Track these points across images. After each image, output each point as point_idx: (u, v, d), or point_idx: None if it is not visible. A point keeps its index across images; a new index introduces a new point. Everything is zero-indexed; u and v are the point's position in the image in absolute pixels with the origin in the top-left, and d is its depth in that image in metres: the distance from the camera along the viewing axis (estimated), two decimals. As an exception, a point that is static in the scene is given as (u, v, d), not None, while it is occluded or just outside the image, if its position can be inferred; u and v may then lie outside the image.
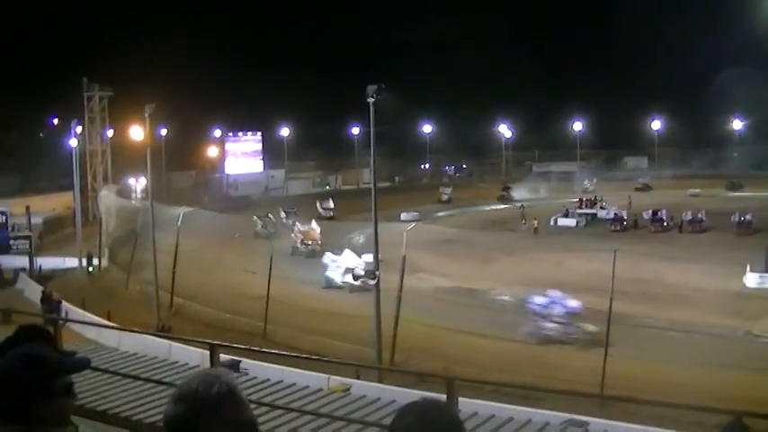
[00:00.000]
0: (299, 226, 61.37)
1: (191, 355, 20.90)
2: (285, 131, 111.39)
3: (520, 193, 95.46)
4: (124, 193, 77.71)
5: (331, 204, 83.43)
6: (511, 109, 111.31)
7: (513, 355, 32.57)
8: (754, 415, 15.76)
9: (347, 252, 50.09)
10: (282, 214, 71.67)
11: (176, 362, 16.40)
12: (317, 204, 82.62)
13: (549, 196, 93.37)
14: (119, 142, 78.13)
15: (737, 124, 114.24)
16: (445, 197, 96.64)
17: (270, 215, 68.95)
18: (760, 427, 15.62)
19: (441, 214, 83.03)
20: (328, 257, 49.53)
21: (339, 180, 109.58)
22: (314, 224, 62.75)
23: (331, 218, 77.86)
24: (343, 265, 48.08)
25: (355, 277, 45.23)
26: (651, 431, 14.06)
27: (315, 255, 54.30)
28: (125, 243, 57.63)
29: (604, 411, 21.03)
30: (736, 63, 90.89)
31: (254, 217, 67.10)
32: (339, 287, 46.88)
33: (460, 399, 11.40)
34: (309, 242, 58.73)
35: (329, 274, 48.47)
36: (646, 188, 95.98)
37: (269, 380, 14.69)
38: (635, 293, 36.51)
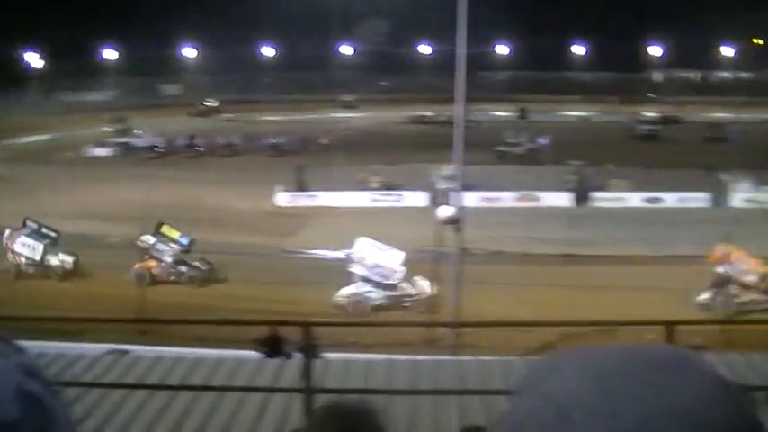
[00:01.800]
0: None
1: None
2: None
3: None
4: None
5: None
6: (40, 35, 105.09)
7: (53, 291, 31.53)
8: (284, 324, 16.69)
9: None
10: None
11: None
12: None
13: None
14: None
15: (269, 51, 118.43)
16: None
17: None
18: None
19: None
20: None
21: None
22: None
23: None
24: None
25: None
26: (184, 352, 14.36)
27: None
28: None
29: (146, 338, 21.15)
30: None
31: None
32: None
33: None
34: None
35: None
36: None
37: None
38: (172, 219, 36.53)
